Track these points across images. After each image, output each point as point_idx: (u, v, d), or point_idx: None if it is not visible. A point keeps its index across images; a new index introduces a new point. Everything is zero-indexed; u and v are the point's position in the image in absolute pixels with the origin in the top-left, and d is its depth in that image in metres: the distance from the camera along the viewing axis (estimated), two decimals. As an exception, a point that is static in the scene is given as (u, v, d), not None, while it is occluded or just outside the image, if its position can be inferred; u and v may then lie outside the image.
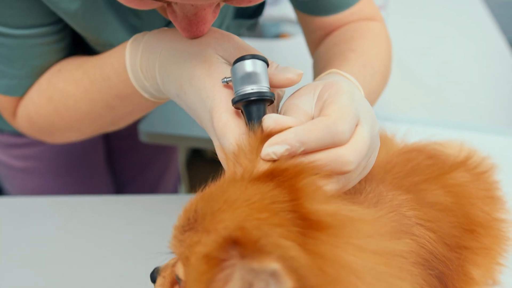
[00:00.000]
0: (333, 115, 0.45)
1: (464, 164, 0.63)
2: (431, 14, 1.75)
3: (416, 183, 0.57)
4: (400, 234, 0.46)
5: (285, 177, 0.42)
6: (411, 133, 0.70)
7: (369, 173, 0.55)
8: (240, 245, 0.35)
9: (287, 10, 1.68)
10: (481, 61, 1.37)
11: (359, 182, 0.53)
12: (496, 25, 1.60)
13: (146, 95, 0.61)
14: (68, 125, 0.71)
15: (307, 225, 0.39)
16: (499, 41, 1.48)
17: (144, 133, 1.07)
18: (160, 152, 1.23)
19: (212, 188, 0.44)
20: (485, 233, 0.58)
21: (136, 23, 0.69)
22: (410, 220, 0.49)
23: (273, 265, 0.34)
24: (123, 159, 1.20)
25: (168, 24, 0.71)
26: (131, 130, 1.12)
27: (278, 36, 1.66)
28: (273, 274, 0.34)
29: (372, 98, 0.66)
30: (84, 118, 0.69)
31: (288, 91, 0.54)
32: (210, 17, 0.52)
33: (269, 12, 1.69)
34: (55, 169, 1.01)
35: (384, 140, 0.64)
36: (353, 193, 0.52)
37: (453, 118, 1.05)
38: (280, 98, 0.54)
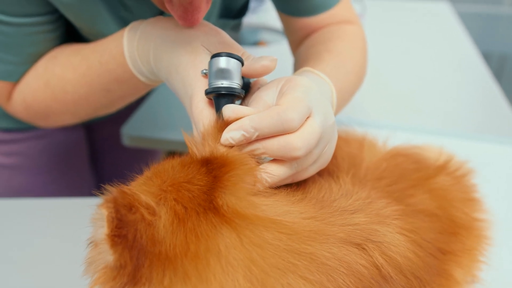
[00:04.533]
0: (285, 104, 0.49)
1: (445, 167, 0.65)
2: (407, 25, 1.79)
3: (404, 189, 0.59)
4: (354, 244, 0.46)
5: (214, 165, 0.47)
6: (390, 138, 0.72)
7: (364, 179, 0.57)
8: (117, 196, 0.42)
9: (266, 18, 1.71)
10: (454, 70, 1.42)
11: (352, 185, 0.55)
12: (468, 36, 1.65)
13: (142, 79, 0.65)
14: (65, 109, 0.74)
15: (210, 208, 0.44)
16: (471, 51, 1.53)
17: (127, 137, 1.08)
18: (142, 155, 1.24)
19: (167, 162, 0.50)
20: (467, 234, 0.61)
21: (126, 15, 0.72)
22: (390, 228, 0.50)
23: (103, 210, 0.40)
24: (106, 161, 1.20)
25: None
26: (115, 131, 1.13)
27: (257, 43, 1.68)
28: (102, 218, 0.41)
29: (345, 96, 0.70)
30: (81, 102, 0.72)
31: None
32: (204, 6, 0.56)
33: (248, 20, 1.71)
34: (40, 166, 1.02)
35: (369, 145, 0.66)
36: (344, 194, 0.54)
37: (428, 124, 1.09)
38: None
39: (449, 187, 0.63)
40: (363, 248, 0.46)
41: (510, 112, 1.14)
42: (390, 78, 1.34)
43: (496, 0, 2.74)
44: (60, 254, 0.72)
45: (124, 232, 0.40)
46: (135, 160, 1.23)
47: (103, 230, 0.40)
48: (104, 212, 0.40)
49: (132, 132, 1.08)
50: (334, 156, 0.63)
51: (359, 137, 0.68)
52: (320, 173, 0.59)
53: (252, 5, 1.79)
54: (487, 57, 1.82)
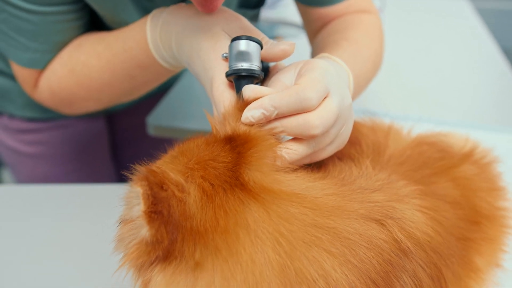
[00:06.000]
0: (303, 84, 0.50)
1: (470, 155, 0.65)
2: (427, 20, 1.79)
3: (427, 176, 0.60)
4: (373, 219, 0.47)
5: (238, 142, 0.48)
6: (414, 129, 0.72)
7: (385, 164, 0.58)
8: (148, 175, 0.43)
9: (284, 14, 1.71)
10: (474, 64, 1.42)
11: (373, 169, 0.55)
12: (488, 32, 1.64)
13: (164, 64, 0.67)
14: (89, 95, 0.76)
15: (236, 184, 0.45)
16: (490, 46, 1.52)
17: (152, 127, 1.09)
18: (162, 145, 1.24)
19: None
20: (490, 224, 0.61)
21: (147, 4, 0.74)
22: (408, 206, 0.51)
23: (137, 188, 0.42)
24: (126, 151, 1.22)
25: None
26: (135, 122, 1.15)
27: (273, 38, 1.69)
28: (138, 196, 0.41)
29: (362, 82, 0.71)
30: (105, 88, 0.74)
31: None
32: None
33: (266, 14, 1.71)
34: (62, 155, 1.05)
35: (395, 133, 0.67)
36: (364, 176, 0.55)
37: (449, 117, 1.09)
38: None
39: (473, 176, 0.63)
40: (383, 224, 0.47)
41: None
42: (411, 72, 1.34)
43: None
44: (85, 237, 0.73)
45: (159, 208, 0.41)
46: (155, 150, 1.24)
47: (140, 207, 0.41)
48: (139, 190, 0.41)
49: (157, 122, 1.09)
50: (359, 144, 0.64)
51: (385, 126, 0.68)
52: (341, 158, 0.61)
53: (270, 0, 1.80)
54: (505, 52, 1.81)
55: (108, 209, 0.75)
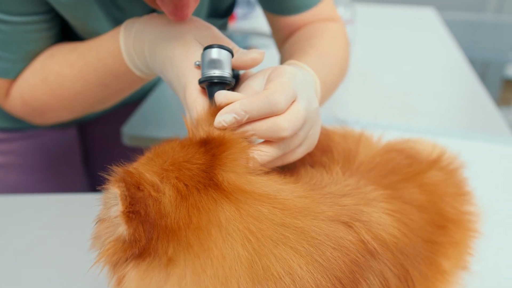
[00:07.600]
0: (272, 89, 0.52)
1: (437, 161, 0.67)
2: (395, 30, 1.83)
3: (395, 182, 0.61)
4: (341, 221, 0.49)
5: (212, 145, 0.50)
6: (384, 137, 0.74)
7: (355, 171, 0.60)
8: (124, 176, 0.45)
9: (257, 25, 1.73)
10: (441, 73, 1.46)
11: (343, 175, 0.57)
12: (455, 42, 1.69)
13: (137, 73, 0.68)
14: (61, 105, 0.76)
15: (210, 184, 0.47)
16: (457, 56, 1.57)
17: (128, 136, 1.09)
18: (134, 153, 1.23)
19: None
20: (455, 228, 0.63)
21: (118, 15, 0.75)
22: (376, 209, 0.53)
23: (115, 189, 0.43)
24: (98, 160, 1.21)
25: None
26: (107, 131, 1.15)
27: (246, 48, 1.70)
28: (116, 197, 0.43)
29: (329, 87, 0.74)
30: (78, 97, 0.75)
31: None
32: (193, 2, 0.60)
33: (239, 25, 1.73)
34: (33, 165, 1.03)
35: (365, 141, 0.68)
36: (334, 182, 0.56)
37: (418, 124, 1.12)
38: None
39: (440, 182, 0.65)
40: (350, 226, 0.48)
41: (496, 112, 1.18)
42: (381, 81, 1.37)
43: (480, 7, 2.80)
44: (56, 246, 0.73)
45: (137, 208, 0.43)
46: (127, 160, 1.23)
47: (118, 208, 0.43)
48: (117, 192, 0.43)
49: (132, 131, 1.09)
50: (331, 151, 0.65)
51: (356, 134, 0.70)
52: (313, 165, 0.62)
53: (243, 11, 1.83)
54: (471, 62, 1.87)
55: (80, 218, 0.76)
